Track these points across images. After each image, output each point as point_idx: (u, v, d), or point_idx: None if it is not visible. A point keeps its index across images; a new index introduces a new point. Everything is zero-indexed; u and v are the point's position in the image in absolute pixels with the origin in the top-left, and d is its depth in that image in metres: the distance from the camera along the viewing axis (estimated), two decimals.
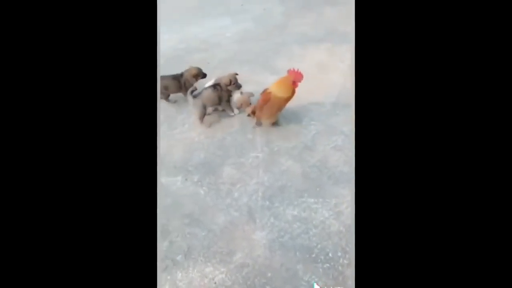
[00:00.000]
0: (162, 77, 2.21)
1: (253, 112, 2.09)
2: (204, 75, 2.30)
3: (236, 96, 2.17)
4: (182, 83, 2.26)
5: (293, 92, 1.95)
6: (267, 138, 1.99)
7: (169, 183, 1.76)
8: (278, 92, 1.94)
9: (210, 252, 1.44)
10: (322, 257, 1.40)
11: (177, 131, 2.10)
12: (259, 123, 2.09)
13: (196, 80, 2.27)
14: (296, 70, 1.91)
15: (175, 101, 2.36)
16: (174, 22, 3.49)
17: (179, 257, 1.43)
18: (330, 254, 1.40)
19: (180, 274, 1.37)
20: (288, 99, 1.96)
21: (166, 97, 2.33)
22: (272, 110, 1.99)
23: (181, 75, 2.27)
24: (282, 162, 1.83)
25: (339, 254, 1.40)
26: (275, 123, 2.07)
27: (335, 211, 1.56)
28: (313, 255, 1.40)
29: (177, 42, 3.12)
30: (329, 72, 2.54)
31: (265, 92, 1.99)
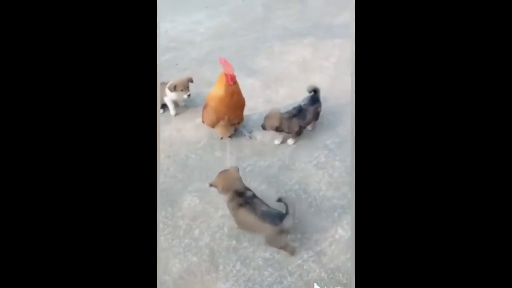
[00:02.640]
0: None
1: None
2: None
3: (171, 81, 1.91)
4: None
5: (229, 90, 1.60)
6: (238, 156, 1.70)
7: None
8: (214, 90, 1.65)
9: None
10: None
11: None
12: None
13: None
14: (225, 60, 1.56)
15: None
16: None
17: None
18: None
19: None
20: (224, 99, 1.61)
21: None
22: (211, 115, 1.67)
23: None
24: (254, 186, 1.53)
25: None
26: (231, 136, 1.77)
27: (315, 251, 1.28)
28: None
29: None
30: (313, 72, 2.23)
31: None
